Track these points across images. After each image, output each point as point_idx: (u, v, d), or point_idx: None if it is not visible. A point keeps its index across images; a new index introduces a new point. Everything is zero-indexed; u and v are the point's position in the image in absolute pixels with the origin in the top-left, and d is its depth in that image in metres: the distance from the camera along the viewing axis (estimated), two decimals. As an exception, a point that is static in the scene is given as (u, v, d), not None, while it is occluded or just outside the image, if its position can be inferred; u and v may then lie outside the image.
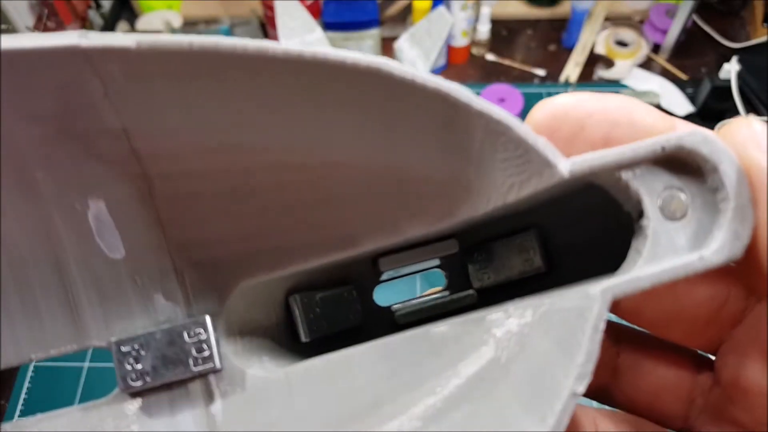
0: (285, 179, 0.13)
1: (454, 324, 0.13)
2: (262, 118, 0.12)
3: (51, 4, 0.74)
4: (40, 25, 0.74)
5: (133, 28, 0.87)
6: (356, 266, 0.14)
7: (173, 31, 0.83)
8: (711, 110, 0.78)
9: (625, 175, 0.11)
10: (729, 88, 0.74)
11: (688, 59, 0.88)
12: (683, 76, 0.86)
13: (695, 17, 0.90)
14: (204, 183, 0.13)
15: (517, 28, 0.93)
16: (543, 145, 0.11)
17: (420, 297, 0.15)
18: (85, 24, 0.81)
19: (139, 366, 0.13)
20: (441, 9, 0.63)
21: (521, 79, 0.87)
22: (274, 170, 0.12)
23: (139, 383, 0.13)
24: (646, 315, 0.14)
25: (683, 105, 0.81)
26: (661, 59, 0.88)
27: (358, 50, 0.76)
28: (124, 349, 0.13)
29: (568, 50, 0.89)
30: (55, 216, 0.12)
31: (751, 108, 0.79)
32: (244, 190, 0.13)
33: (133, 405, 0.13)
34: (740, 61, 0.74)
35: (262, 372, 0.13)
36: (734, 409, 0.14)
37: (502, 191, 0.12)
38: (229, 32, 0.83)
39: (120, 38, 0.11)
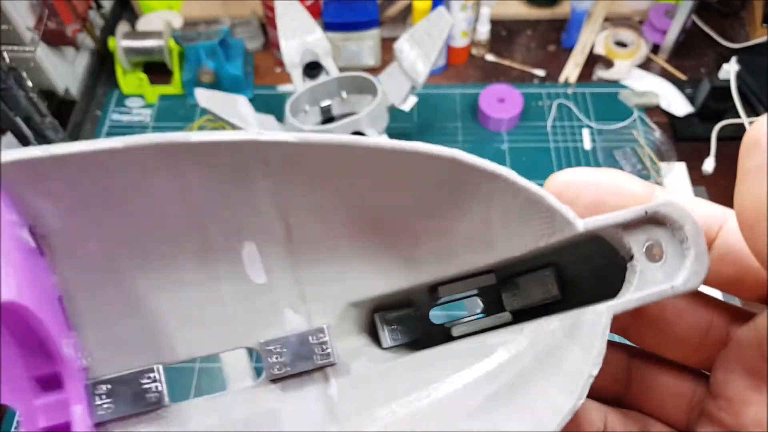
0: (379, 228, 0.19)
1: (504, 333, 0.19)
2: (373, 188, 0.18)
3: (51, 5, 0.74)
4: (40, 25, 0.74)
5: (133, 29, 0.87)
6: (418, 294, 0.20)
7: (173, 31, 0.83)
8: (710, 110, 0.78)
9: (621, 232, 0.17)
10: (728, 89, 0.75)
11: (688, 59, 0.88)
12: (682, 77, 0.86)
13: (694, 17, 0.90)
14: (330, 233, 0.18)
15: (517, 29, 0.93)
16: (565, 210, 0.16)
17: (468, 317, 0.21)
18: (85, 24, 0.81)
19: (280, 359, 0.18)
20: (441, 9, 0.63)
21: (521, 79, 0.87)
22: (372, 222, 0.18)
23: (279, 372, 0.18)
24: (650, 340, 0.19)
25: (682, 105, 0.81)
26: (660, 59, 0.88)
27: (359, 50, 0.76)
28: (269, 348, 0.18)
29: (568, 51, 0.89)
30: (220, 254, 0.18)
31: (750, 108, 0.80)
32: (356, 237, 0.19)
33: (274, 387, 0.19)
34: (739, 61, 0.74)
35: (362, 366, 0.19)
36: (723, 414, 0.17)
37: (535, 240, 0.18)
38: (229, 33, 0.83)
39: (283, 135, 0.16)
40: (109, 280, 0.17)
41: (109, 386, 0.17)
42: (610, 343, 0.17)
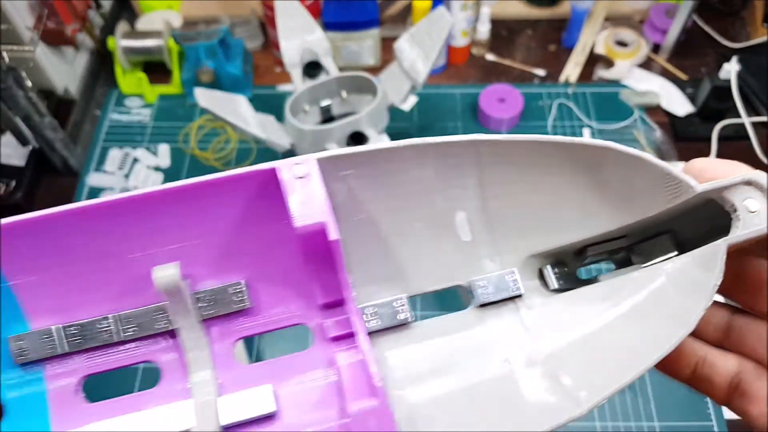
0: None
1: (644, 271, 0.25)
2: (548, 170, 0.25)
3: (51, 4, 0.74)
4: (40, 25, 0.74)
5: (132, 28, 0.87)
6: (571, 255, 0.28)
7: (173, 30, 0.83)
8: (711, 110, 0.78)
9: (727, 192, 0.23)
10: (729, 88, 0.75)
11: (688, 59, 0.88)
12: (683, 76, 0.86)
13: (695, 17, 0.90)
14: (515, 204, 0.26)
15: (517, 28, 0.93)
16: (689, 179, 0.23)
17: (607, 273, 0.28)
18: (84, 24, 0.81)
19: (486, 291, 0.26)
20: (441, 9, 0.63)
21: (521, 79, 0.87)
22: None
23: (485, 300, 0.26)
24: (746, 297, 0.25)
25: (683, 105, 0.81)
26: (661, 59, 0.88)
27: (359, 50, 0.76)
28: (477, 283, 0.26)
29: (568, 50, 0.89)
30: (442, 219, 0.26)
31: (751, 108, 0.79)
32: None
33: (482, 311, 0.26)
34: (740, 61, 0.74)
35: (538, 299, 0.26)
36: None
37: (664, 203, 0.24)
38: (228, 32, 0.83)
39: (497, 136, 0.24)
40: (374, 239, 0.26)
41: (374, 309, 0.25)
42: (714, 302, 0.24)
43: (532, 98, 0.83)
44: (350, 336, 0.25)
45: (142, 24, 0.89)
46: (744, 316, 0.25)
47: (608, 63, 0.86)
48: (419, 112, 0.83)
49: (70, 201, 0.75)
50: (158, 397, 0.24)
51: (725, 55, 0.86)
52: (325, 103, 0.68)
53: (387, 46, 0.86)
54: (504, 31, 0.92)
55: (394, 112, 0.67)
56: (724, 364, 0.25)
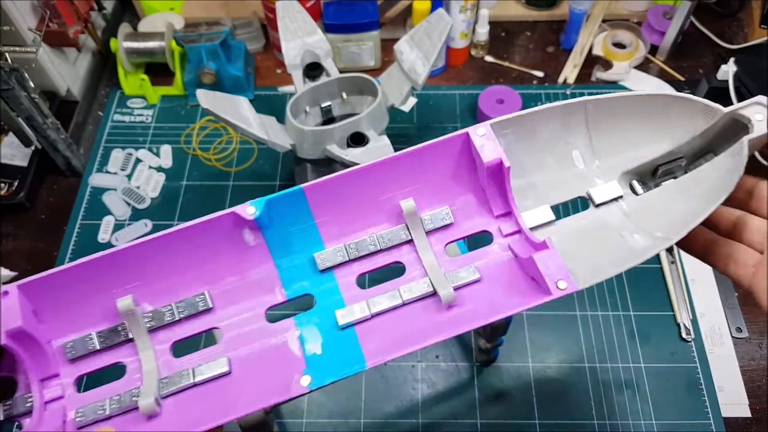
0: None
1: (692, 172, 0.40)
2: (631, 112, 0.40)
3: (53, 6, 0.75)
4: (42, 27, 0.75)
5: (135, 30, 0.87)
6: (648, 174, 0.41)
7: (175, 32, 0.83)
8: (708, 111, 0.78)
9: (742, 110, 0.36)
10: (726, 90, 0.75)
11: (686, 61, 0.88)
12: (681, 78, 0.86)
13: (693, 19, 0.90)
14: (613, 141, 0.41)
15: (516, 30, 0.93)
16: (717, 105, 0.37)
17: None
18: (87, 25, 0.81)
19: (600, 198, 0.40)
20: (440, 11, 0.64)
21: (520, 80, 0.87)
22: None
23: (601, 202, 0.40)
24: (750, 204, 0.38)
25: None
26: (658, 61, 0.88)
27: (359, 52, 0.77)
28: (591, 195, 0.40)
29: (567, 52, 0.90)
30: (564, 153, 0.41)
31: (748, 109, 0.80)
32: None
33: (597, 210, 0.41)
34: (737, 62, 0.75)
35: (631, 198, 0.40)
36: None
37: (704, 124, 0.38)
38: (230, 34, 0.83)
39: (602, 96, 0.39)
40: (522, 171, 0.41)
41: (530, 215, 0.41)
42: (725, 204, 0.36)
43: (530, 99, 0.84)
44: (518, 232, 0.39)
45: (144, 26, 0.90)
46: (750, 216, 0.37)
47: (606, 64, 0.87)
48: (419, 113, 0.84)
49: (72, 201, 0.76)
50: (406, 281, 0.39)
51: (723, 57, 0.86)
52: (325, 104, 0.68)
53: (387, 48, 0.87)
54: (503, 33, 0.93)
55: (394, 113, 0.68)
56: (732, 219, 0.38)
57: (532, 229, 0.39)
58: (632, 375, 0.64)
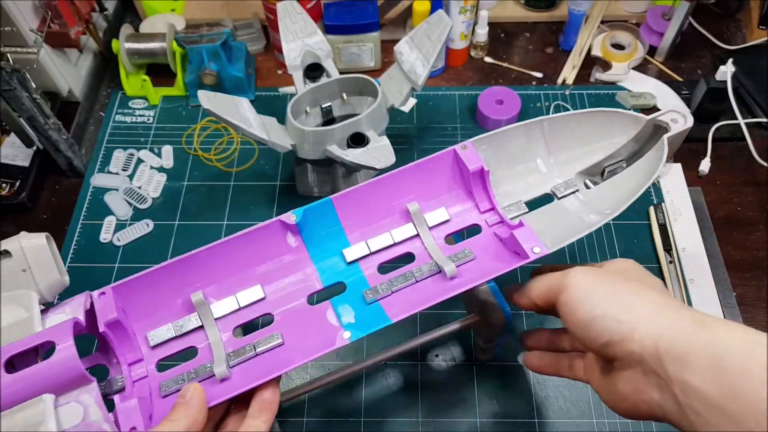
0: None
1: (632, 168, 0.52)
2: (580, 126, 0.53)
3: (55, 7, 0.75)
4: (44, 27, 0.75)
5: (136, 31, 0.88)
6: (597, 172, 0.53)
7: (176, 33, 0.84)
8: (706, 112, 0.79)
9: (661, 117, 0.50)
10: (725, 90, 0.75)
11: (684, 61, 0.89)
12: (679, 78, 0.87)
13: (691, 20, 0.91)
14: (566, 146, 0.53)
15: (515, 31, 0.94)
16: (642, 115, 0.50)
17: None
18: (88, 26, 0.82)
19: (561, 191, 0.51)
20: (440, 12, 0.64)
21: (519, 81, 0.88)
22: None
23: (562, 193, 0.51)
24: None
25: (679, 107, 0.82)
26: (657, 61, 0.89)
27: (359, 53, 0.77)
28: (554, 189, 0.51)
29: (566, 53, 0.90)
30: (527, 164, 0.54)
31: (747, 109, 0.80)
32: None
33: (559, 201, 0.51)
34: (736, 63, 0.75)
35: (585, 190, 0.52)
36: None
37: (634, 129, 0.51)
38: (231, 35, 0.84)
39: (549, 117, 0.52)
40: (498, 177, 0.52)
41: (508, 207, 0.50)
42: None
43: (529, 100, 0.84)
44: (501, 222, 0.49)
45: (145, 27, 0.90)
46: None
47: (605, 65, 0.87)
48: (419, 113, 0.84)
49: (74, 202, 0.77)
50: (416, 265, 0.48)
51: (721, 57, 0.87)
52: (326, 104, 0.69)
53: (387, 49, 0.87)
54: (502, 34, 0.93)
55: (394, 113, 0.68)
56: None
57: (511, 218, 0.48)
58: (631, 374, 0.64)
